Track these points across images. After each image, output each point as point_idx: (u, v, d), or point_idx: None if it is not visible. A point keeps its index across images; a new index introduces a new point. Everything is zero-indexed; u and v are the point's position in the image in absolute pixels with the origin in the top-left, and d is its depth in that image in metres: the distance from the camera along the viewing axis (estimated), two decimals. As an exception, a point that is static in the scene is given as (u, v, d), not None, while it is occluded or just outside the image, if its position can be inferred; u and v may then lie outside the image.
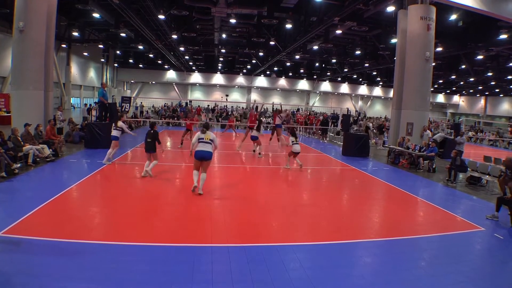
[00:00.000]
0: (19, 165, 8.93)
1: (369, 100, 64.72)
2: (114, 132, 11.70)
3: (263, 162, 13.95)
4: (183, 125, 23.15)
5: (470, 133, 28.05)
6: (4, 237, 5.60)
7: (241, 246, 5.84)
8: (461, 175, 12.50)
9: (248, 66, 50.02)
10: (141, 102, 35.53)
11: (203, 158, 8.36)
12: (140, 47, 37.26)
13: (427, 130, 16.37)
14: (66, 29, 32.52)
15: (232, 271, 4.98)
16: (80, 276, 4.65)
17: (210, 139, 8.43)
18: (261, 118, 18.60)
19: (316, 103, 60.03)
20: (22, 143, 10.88)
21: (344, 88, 59.24)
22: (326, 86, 58.45)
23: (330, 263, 5.48)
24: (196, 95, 58.56)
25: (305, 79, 56.71)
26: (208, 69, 53.60)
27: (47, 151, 11.86)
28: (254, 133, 15.13)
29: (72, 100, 39.09)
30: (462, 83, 45.89)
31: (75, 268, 4.85)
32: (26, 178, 9.63)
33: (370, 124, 26.70)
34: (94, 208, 7.59)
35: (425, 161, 14.05)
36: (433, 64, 17.83)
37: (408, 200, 9.69)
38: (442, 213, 8.50)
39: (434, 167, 13.83)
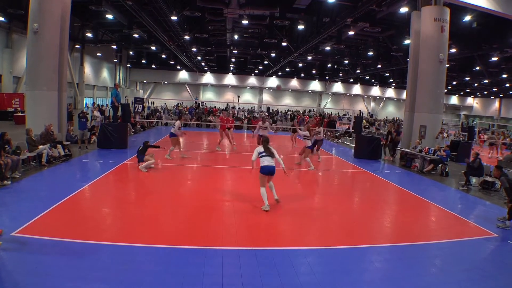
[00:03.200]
0: (9, 182, 8.90)
1: (381, 102, 64.21)
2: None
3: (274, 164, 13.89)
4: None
5: (485, 136, 27.53)
6: (16, 237, 5.69)
7: (251, 249, 5.84)
8: (474, 179, 12.31)
9: (260, 67, 50.07)
10: (152, 102, 35.73)
11: (270, 173, 8.02)
12: (153, 47, 37.62)
13: (443, 133, 16.18)
14: (80, 30, 32.97)
15: (242, 275, 4.98)
16: (91, 277, 4.70)
17: (272, 152, 8.07)
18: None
19: (328, 104, 59.78)
20: (35, 143, 11.08)
21: (357, 89, 58.94)
22: (338, 87, 58.18)
23: (340, 268, 5.44)
24: (208, 96, 58.85)
25: (317, 80, 56.53)
26: (220, 69, 53.82)
27: (61, 151, 12.03)
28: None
29: (86, 100, 39.61)
30: (476, 85, 45.36)
31: (86, 268, 4.90)
32: (40, 178, 9.78)
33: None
34: (106, 209, 7.68)
35: (437, 166, 13.88)
36: (447, 65, 17.62)
37: (420, 204, 9.56)
38: (454, 218, 8.38)
39: (447, 170, 13.66)
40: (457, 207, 9.65)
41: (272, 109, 47.30)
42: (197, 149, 16.89)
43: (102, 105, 31.95)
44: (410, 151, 15.35)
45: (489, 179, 11.70)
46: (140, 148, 11.47)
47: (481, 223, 8.02)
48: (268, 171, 7.92)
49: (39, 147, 11.07)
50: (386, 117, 54.03)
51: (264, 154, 8.01)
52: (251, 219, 7.45)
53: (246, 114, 38.42)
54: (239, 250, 5.77)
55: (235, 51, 39.05)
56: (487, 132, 33.06)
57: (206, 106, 40.94)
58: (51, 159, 11.43)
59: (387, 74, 49.51)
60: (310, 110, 48.33)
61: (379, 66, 36.66)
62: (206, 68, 53.31)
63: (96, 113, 18.06)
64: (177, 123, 13.41)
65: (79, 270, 4.83)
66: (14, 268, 4.83)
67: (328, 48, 31.88)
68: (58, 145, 12.01)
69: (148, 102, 37.70)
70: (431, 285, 5.10)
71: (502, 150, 22.18)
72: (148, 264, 5.14)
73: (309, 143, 13.08)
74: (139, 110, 23.39)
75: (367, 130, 27.75)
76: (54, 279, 4.57)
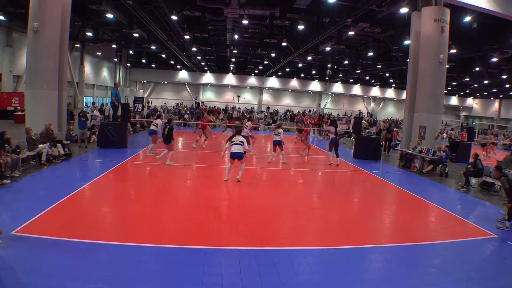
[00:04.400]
0: (9, 181, 8.89)
1: (381, 102, 64.16)
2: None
3: (273, 164, 13.90)
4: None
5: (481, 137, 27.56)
6: (16, 236, 5.69)
7: (251, 249, 5.84)
8: (473, 180, 12.31)
9: (260, 67, 49.90)
10: (152, 102, 35.78)
11: (235, 157, 10.12)
12: (153, 47, 37.56)
13: (443, 133, 16.18)
14: (80, 29, 32.90)
15: (242, 274, 4.98)
16: (91, 276, 4.70)
17: (240, 141, 10.19)
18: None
19: (328, 105, 59.73)
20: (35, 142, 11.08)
21: (356, 89, 58.83)
22: (338, 87, 58.06)
23: (340, 268, 5.45)
24: (208, 96, 58.79)
25: (317, 80, 56.44)
26: (220, 69, 53.70)
27: (61, 150, 12.02)
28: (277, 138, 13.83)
29: (86, 99, 39.57)
30: (476, 85, 45.32)
31: (86, 267, 4.91)
32: (39, 177, 9.78)
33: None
34: (106, 208, 7.68)
35: (437, 166, 13.88)
36: (447, 66, 17.62)
37: (420, 205, 9.57)
38: (454, 219, 8.38)
39: (446, 171, 13.66)
40: (456, 207, 9.67)
41: (272, 109, 47.31)
42: (196, 148, 16.87)
43: (102, 104, 31.95)
44: (409, 151, 15.35)
45: (489, 179, 11.72)
46: (166, 132, 11.86)
47: (481, 223, 8.03)
48: (232, 156, 10.15)
49: (38, 146, 11.07)
50: (390, 118, 54.00)
51: (232, 143, 10.23)
52: (251, 219, 7.46)
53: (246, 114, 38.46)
54: (239, 250, 5.77)
55: (235, 51, 38.94)
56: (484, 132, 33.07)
57: (206, 106, 40.94)
58: (51, 158, 11.43)
59: (387, 75, 49.40)
60: (310, 110, 48.33)
61: (379, 66, 36.62)
62: (206, 68, 53.15)
63: (96, 113, 18.02)
64: (159, 121, 13.89)
65: (79, 269, 4.83)
66: (14, 267, 4.83)
67: (328, 48, 31.82)
68: (58, 144, 12.01)
69: (148, 102, 37.60)
70: (431, 285, 5.10)
71: (493, 150, 22.24)
72: (148, 264, 5.14)
73: (278, 138, 13.89)
74: (139, 110, 23.38)
75: (367, 130, 27.76)
76: (54, 278, 4.57)
